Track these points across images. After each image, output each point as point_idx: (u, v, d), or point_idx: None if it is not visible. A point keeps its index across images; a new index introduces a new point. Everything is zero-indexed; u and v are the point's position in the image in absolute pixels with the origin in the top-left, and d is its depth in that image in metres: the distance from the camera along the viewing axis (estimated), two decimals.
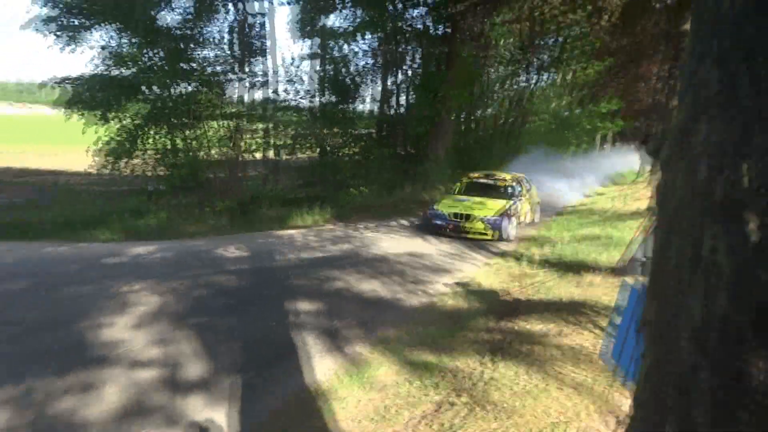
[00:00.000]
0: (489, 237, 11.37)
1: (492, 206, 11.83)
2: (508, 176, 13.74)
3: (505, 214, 11.64)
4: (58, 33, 14.87)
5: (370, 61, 19.68)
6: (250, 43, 17.52)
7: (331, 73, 19.10)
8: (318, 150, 18.89)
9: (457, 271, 8.64)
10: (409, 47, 19.38)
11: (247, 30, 17.29)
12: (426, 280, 7.96)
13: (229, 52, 17.22)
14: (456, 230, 11.55)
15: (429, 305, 6.85)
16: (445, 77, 17.65)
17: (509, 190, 12.91)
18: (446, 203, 12.37)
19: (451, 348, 5.14)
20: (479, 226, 11.47)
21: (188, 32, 16.43)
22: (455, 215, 11.69)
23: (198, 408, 4.03)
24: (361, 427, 3.80)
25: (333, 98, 19.15)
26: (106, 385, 4.26)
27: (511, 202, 12.17)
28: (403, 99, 19.95)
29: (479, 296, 7.16)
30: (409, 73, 19.78)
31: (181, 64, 16.10)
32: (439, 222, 11.78)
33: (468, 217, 11.58)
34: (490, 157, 18.93)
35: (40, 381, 4.22)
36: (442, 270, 8.64)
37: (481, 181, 13.48)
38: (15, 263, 8.08)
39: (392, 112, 19.89)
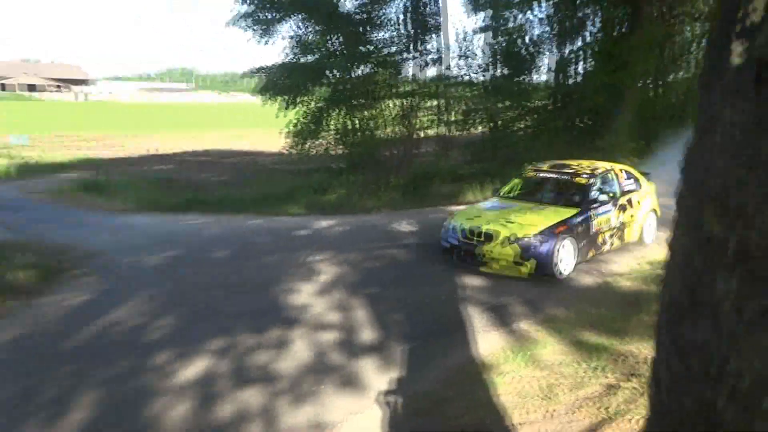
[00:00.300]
0: (520, 273, 6.77)
1: (536, 220, 7.10)
2: (601, 167, 8.35)
3: (556, 232, 6.86)
4: (255, 27, 16.63)
5: (546, 29, 18.81)
6: (423, 21, 17.76)
7: (504, 44, 18.65)
8: (490, 125, 18.68)
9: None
10: (588, 10, 18.12)
11: (420, 8, 17.57)
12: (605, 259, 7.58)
13: (403, 32, 17.69)
14: (467, 258, 7.15)
15: (603, 286, 6.56)
16: (629, 41, 16.22)
17: (587, 192, 7.70)
18: (468, 213, 7.87)
19: (624, 331, 4.90)
20: (506, 252, 6.84)
21: (365, 16, 17.19)
22: (471, 232, 7.22)
23: (371, 370, 4.40)
24: (525, 403, 3.84)
25: (506, 71, 18.72)
26: (294, 343, 4.85)
27: (579, 212, 7.32)
28: (580, 67, 18.80)
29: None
30: (588, 39, 18.54)
31: (360, 48, 16.97)
32: (448, 243, 7.47)
33: (489, 238, 7.02)
34: (680, 125, 17.03)
35: (241, 336, 4.94)
36: (625, 251, 7.99)
37: (547, 175, 8.47)
38: (221, 233, 9.36)
39: (569, 82, 18.87)
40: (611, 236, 7.77)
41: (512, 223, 7.07)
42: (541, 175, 8.48)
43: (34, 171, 17.10)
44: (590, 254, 7.37)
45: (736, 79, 1.03)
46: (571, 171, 8.17)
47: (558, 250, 6.74)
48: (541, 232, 6.80)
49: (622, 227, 7.98)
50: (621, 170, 8.46)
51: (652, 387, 1.29)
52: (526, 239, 6.77)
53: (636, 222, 8.27)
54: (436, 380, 4.25)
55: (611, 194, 7.91)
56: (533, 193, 8.33)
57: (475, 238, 7.08)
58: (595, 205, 7.55)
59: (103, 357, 4.57)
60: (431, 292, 6.19)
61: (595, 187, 7.80)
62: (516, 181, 8.68)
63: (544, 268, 6.66)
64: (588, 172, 8.06)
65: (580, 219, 7.25)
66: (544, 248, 6.70)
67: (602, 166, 8.43)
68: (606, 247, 7.69)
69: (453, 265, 7.14)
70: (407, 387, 4.16)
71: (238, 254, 7.84)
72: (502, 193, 8.51)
